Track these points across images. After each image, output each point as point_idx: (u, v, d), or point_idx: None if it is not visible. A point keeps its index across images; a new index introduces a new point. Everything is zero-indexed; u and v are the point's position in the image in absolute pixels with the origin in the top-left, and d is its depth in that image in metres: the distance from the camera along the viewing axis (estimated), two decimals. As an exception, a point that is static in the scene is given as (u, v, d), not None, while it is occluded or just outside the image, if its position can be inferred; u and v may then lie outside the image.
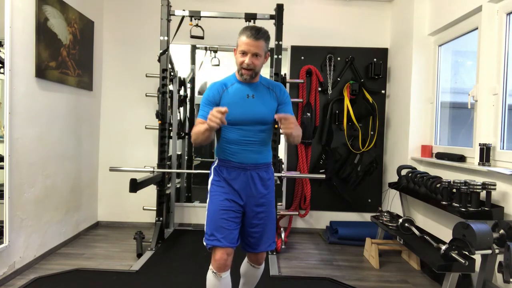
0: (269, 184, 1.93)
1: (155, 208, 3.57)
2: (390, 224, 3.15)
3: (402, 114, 3.77)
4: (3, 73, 2.57)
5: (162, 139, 3.58)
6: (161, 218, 3.53)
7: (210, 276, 1.81)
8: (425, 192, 2.93)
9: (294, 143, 1.85)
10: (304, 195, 4.07)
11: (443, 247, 2.27)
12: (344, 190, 4.12)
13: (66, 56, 3.34)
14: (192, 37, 3.56)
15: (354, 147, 4.10)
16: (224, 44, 4.24)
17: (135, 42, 4.16)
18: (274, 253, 3.33)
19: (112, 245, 3.55)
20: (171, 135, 3.91)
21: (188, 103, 4.72)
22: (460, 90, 3.36)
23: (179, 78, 4.12)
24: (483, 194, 2.42)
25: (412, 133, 3.57)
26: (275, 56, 3.49)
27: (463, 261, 2.12)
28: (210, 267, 1.81)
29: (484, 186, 2.36)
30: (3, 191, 2.60)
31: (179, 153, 4.49)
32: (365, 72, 4.15)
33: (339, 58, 4.15)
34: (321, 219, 4.23)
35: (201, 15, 3.54)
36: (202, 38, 3.57)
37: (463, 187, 2.45)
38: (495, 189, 2.35)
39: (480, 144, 2.58)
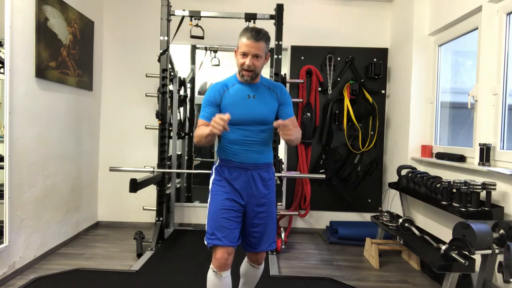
0: (270, 184, 1.94)
1: (155, 208, 3.57)
2: (390, 224, 3.15)
3: (402, 114, 3.77)
4: (3, 73, 2.57)
5: (162, 139, 3.58)
6: (161, 218, 3.53)
7: (210, 275, 1.82)
8: (425, 192, 2.93)
9: (294, 145, 1.86)
10: (304, 195, 4.07)
11: (443, 247, 2.27)
12: (344, 190, 4.12)
13: (66, 56, 3.34)
14: (192, 37, 3.56)
15: (354, 147, 4.10)
16: (224, 44, 4.24)
17: (135, 42, 4.16)
18: (274, 253, 3.33)
19: (112, 245, 3.55)
20: (171, 135, 3.90)
21: (188, 103, 4.72)
22: (460, 90, 3.36)
23: (179, 78, 4.12)
24: (483, 194, 2.43)
25: (412, 133, 3.57)
26: (275, 56, 3.50)
27: (463, 261, 2.12)
28: (211, 266, 1.82)
29: (484, 186, 2.37)
30: (3, 191, 2.60)
31: (179, 153, 4.49)
32: (365, 72, 4.15)
33: (339, 58, 4.15)
34: (321, 219, 4.23)
35: (201, 15, 3.54)
36: (202, 38, 3.57)
37: (463, 187, 2.45)
38: (495, 189, 2.35)
39: (480, 144, 2.58)
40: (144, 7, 4.15)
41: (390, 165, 4.08)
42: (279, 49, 3.51)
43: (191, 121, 4.74)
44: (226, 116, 1.61)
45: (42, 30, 2.95)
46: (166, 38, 3.52)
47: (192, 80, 4.85)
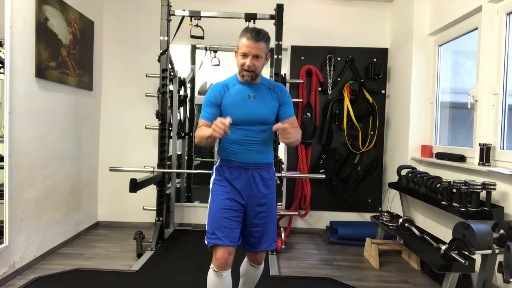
0: (271, 184, 1.95)
1: (155, 208, 3.57)
2: (390, 224, 3.15)
3: (402, 114, 3.77)
4: (3, 73, 2.57)
5: (162, 139, 3.58)
6: (161, 218, 3.53)
7: (211, 274, 1.83)
8: (425, 192, 2.93)
9: (294, 146, 1.87)
10: (304, 195, 4.07)
11: (443, 247, 2.27)
12: (344, 190, 4.12)
13: (66, 56, 3.34)
14: (192, 37, 3.56)
15: (354, 147, 4.10)
16: (224, 44, 4.24)
17: (135, 42, 4.16)
18: (274, 253, 3.33)
19: (112, 245, 3.55)
20: (171, 135, 3.91)
21: (188, 103, 4.72)
22: (460, 90, 3.36)
23: (179, 78, 4.12)
24: (483, 194, 2.43)
25: (412, 133, 3.57)
26: (275, 56, 3.50)
27: (463, 261, 2.12)
28: (211, 265, 1.83)
29: (484, 186, 2.37)
30: (3, 191, 2.60)
31: (179, 153, 4.49)
32: (365, 72, 4.15)
33: (339, 58, 4.15)
34: (321, 219, 4.23)
35: (201, 15, 3.54)
36: (202, 38, 3.57)
37: (463, 187, 2.45)
38: (495, 189, 2.35)
39: (480, 144, 2.58)
40: (144, 7, 4.15)
41: (390, 165, 4.08)
42: (279, 49, 3.51)
43: (191, 121, 4.74)
44: (227, 120, 1.62)
45: (42, 30, 2.95)
46: (166, 38, 3.52)
47: (192, 80, 4.85)
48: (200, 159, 5.25)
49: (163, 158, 3.56)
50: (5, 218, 2.61)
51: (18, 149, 2.73)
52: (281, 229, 3.71)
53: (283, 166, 4.16)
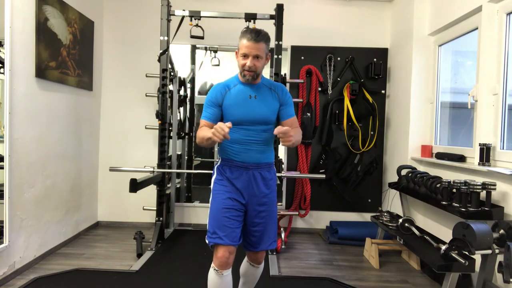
0: (271, 184, 1.95)
1: (155, 208, 3.57)
2: (390, 224, 3.15)
3: (402, 114, 3.77)
4: (3, 73, 2.57)
5: (162, 139, 3.58)
6: (161, 218, 3.53)
7: (211, 273, 1.83)
8: (425, 192, 2.93)
9: (294, 146, 1.88)
10: (304, 195, 4.07)
11: (443, 247, 2.27)
12: (344, 190, 4.12)
13: (66, 56, 3.34)
14: (192, 37, 3.56)
15: (354, 147, 4.10)
16: (224, 44, 4.24)
17: (135, 42, 4.16)
18: (274, 253, 3.33)
19: (112, 245, 3.55)
20: (171, 135, 3.90)
21: (188, 103, 4.72)
22: (460, 90, 3.36)
23: (179, 78, 4.12)
24: (483, 194, 2.43)
25: (412, 133, 3.57)
26: (275, 56, 3.50)
27: (463, 261, 2.12)
28: (212, 265, 1.83)
29: (484, 186, 2.37)
30: (3, 191, 2.60)
31: (179, 153, 4.49)
32: (365, 72, 4.15)
33: (339, 58, 4.15)
34: (321, 219, 4.23)
35: (201, 15, 3.54)
36: (202, 38, 3.57)
37: (463, 187, 2.45)
38: (495, 189, 2.36)
39: (480, 144, 2.58)
40: (144, 7, 4.15)
41: (390, 165, 4.08)
42: (279, 49, 3.51)
43: (191, 121, 4.74)
44: (228, 125, 1.63)
45: (42, 30, 2.95)
46: (166, 38, 3.52)
47: (192, 80, 4.85)
48: (200, 159, 5.25)
49: (163, 158, 3.56)
50: (5, 218, 2.61)
51: (18, 149, 2.73)
52: (281, 229, 3.71)
53: (283, 166, 4.16)
